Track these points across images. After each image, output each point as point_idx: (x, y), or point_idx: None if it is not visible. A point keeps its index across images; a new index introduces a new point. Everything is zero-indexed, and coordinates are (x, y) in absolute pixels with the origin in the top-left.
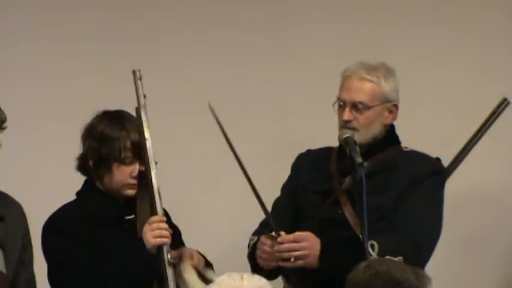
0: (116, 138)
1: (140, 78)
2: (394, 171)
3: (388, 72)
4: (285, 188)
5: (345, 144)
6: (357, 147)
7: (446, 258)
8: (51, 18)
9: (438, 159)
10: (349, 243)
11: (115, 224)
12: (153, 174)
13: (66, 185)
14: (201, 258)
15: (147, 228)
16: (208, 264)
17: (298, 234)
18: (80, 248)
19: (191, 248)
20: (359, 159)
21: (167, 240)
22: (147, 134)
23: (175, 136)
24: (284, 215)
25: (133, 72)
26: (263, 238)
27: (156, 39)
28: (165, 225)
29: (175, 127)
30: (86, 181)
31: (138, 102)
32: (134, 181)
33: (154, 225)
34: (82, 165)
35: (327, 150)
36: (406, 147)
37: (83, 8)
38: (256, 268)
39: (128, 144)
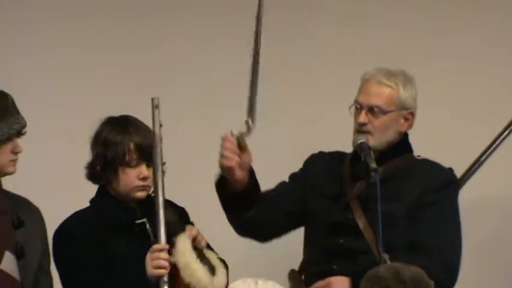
0: (119, 141)
1: (158, 106)
2: (405, 178)
3: (407, 79)
4: (294, 176)
5: (360, 149)
6: (372, 152)
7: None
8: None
9: (451, 169)
10: None
11: (126, 228)
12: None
13: (85, 191)
14: (204, 238)
15: (148, 257)
16: (210, 248)
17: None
18: (89, 257)
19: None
20: (373, 165)
21: (164, 272)
22: (160, 165)
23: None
24: (285, 193)
25: (152, 100)
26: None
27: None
28: (165, 255)
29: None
30: (99, 188)
31: (154, 132)
32: (142, 183)
33: (155, 254)
34: (91, 173)
35: (340, 154)
36: (419, 156)
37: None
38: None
39: (132, 146)
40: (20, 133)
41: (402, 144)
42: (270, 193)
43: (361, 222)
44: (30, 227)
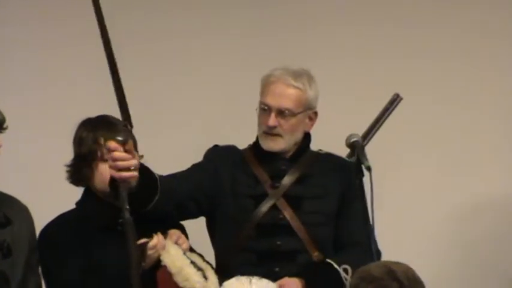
0: (90, 137)
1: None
2: (324, 175)
3: (311, 78)
4: (199, 166)
5: (352, 147)
6: (365, 151)
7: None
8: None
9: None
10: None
11: (109, 228)
12: None
13: (77, 190)
14: (187, 241)
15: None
16: (193, 251)
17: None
18: (71, 259)
19: (177, 230)
20: (367, 163)
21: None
22: None
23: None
24: (190, 181)
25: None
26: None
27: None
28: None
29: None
30: (84, 190)
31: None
32: None
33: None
34: (70, 175)
35: (236, 150)
36: (320, 150)
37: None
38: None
39: (102, 141)
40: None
41: (305, 142)
42: (171, 181)
43: (293, 222)
44: (17, 225)
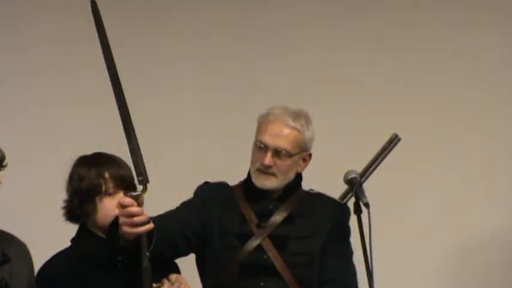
0: (93, 173)
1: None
2: (313, 215)
3: (308, 120)
4: (189, 204)
5: (351, 184)
6: (363, 187)
7: None
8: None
9: (346, 204)
10: None
11: (108, 265)
12: None
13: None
14: (189, 286)
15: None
16: None
17: None
18: None
19: (178, 275)
20: (365, 200)
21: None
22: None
23: None
24: (181, 220)
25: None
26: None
27: None
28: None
29: None
30: (79, 227)
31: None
32: None
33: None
34: (68, 212)
35: (227, 187)
36: (311, 189)
37: None
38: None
39: (107, 175)
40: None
41: (295, 181)
42: (162, 221)
43: (278, 262)
44: (16, 263)
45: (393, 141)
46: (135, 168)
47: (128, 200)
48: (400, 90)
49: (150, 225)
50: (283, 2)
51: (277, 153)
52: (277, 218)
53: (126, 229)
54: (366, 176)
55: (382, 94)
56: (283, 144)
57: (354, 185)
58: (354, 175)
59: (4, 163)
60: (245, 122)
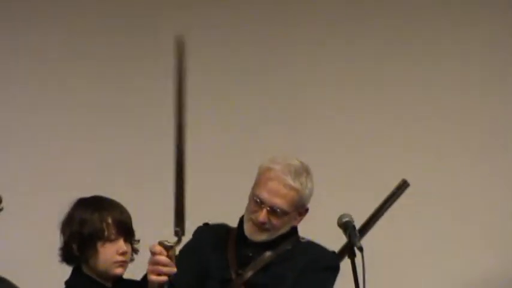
0: (96, 217)
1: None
2: (290, 261)
3: (308, 176)
4: (189, 249)
5: (344, 228)
6: (357, 231)
7: None
8: None
9: (334, 253)
10: None
11: None
12: None
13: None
14: None
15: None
16: None
17: None
18: None
19: None
20: (359, 244)
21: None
22: None
23: None
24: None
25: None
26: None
27: None
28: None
29: None
30: (73, 269)
31: None
32: (122, 258)
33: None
34: (66, 254)
35: (225, 230)
36: (303, 238)
37: None
38: None
39: (109, 220)
40: None
41: (290, 230)
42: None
43: None
44: None
45: (401, 187)
46: (176, 217)
47: (158, 248)
48: (395, 133)
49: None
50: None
51: (273, 211)
52: (257, 264)
53: (149, 277)
54: (372, 222)
55: (381, 137)
56: (280, 203)
57: (348, 228)
58: (347, 218)
59: (0, 206)
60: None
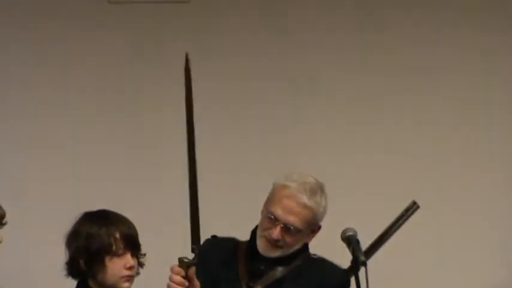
0: (103, 232)
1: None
2: (302, 278)
3: (323, 194)
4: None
5: (348, 242)
6: (360, 245)
7: None
8: None
9: (345, 271)
10: None
11: None
12: None
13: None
14: None
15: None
16: None
17: None
18: None
19: None
20: (362, 258)
21: None
22: None
23: None
24: None
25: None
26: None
27: None
28: (178, 279)
29: None
30: (78, 282)
31: None
32: (129, 272)
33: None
34: (72, 269)
35: (234, 243)
36: (314, 254)
37: None
38: None
39: (118, 235)
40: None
41: (301, 247)
42: None
43: None
44: None
45: (411, 209)
46: (192, 235)
47: (176, 269)
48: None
49: None
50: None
51: (286, 228)
52: (268, 279)
53: None
54: (380, 243)
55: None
56: (294, 221)
57: (351, 242)
58: (351, 233)
59: (4, 221)
60: None
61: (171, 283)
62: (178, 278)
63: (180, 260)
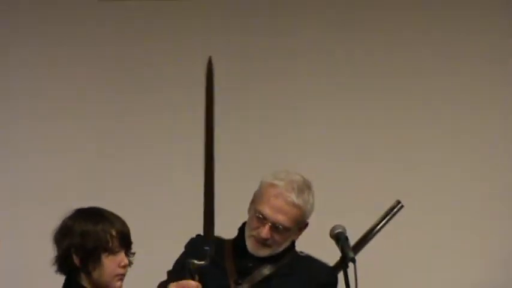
0: (100, 229)
1: None
2: (290, 276)
3: (310, 192)
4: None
5: (337, 239)
6: (349, 242)
7: None
8: None
9: (332, 268)
10: None
11: None
12: None
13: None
14: None
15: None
16: None
17: None
18: None
19: None
20: (351, 254)
21: None
22: None
23: None
24: None
25: None
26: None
27: None
28: None
29: None
30: (67, 279)
31: None
32: (123, 271)
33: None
34: (63, 265)
35: (219, 241)
36: (301, 252)
37: None
38: None
39: (114, 232)
40: None
41: (289, 245)
42: None
43: None
44: None
45: (395, 208)
46: (206, 237)
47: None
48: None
49: None
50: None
51: (275, 227)
52: (256, 276)
53: None
54: (364, 242)
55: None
56: (283, 221)
57: (340, 239)
58: (339, 230)
59: None
60: None
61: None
62: (193, 283)
63: (192, 263)
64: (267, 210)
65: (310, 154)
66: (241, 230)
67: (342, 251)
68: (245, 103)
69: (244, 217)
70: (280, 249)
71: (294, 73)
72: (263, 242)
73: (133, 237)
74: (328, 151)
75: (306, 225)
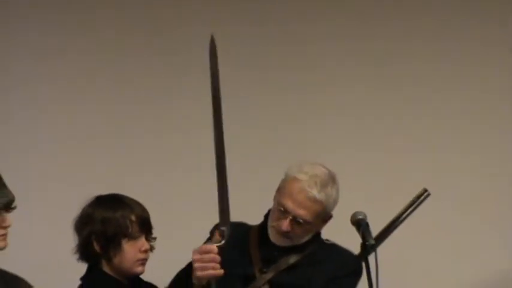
0: (119, 215)
1: None
2: (316, 265)
3: (334, 185)
4: None
5: (357, 225)
6: (370, 229)
7: None
8: None
9: (357, 257)
10: None
11: None
12: None
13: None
14: None
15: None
16: None
17: None
18: None
19: None
20: (371, 241)
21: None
22: None
23: None
24: None
25: None
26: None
27: None
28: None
29: None
30: (90, 266)
31: None
32: (144, 255)
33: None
34: (85, 253)
35: (244, 228)
36: (327, 240)
37: None
38: None
39: (133, 218)
40: (8, 207)
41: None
42: None
43: None
44: None
45: (422, 196)
46: (221, 217)
47: (209, 248)
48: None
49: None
50: None
51: (296, 221)
52: (281, 265)
53: (199, 273)
54: (390, 230)
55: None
56: (304, 215)
57: (361, 226)
58: (361, 216)
59: (13, 205)
60: None
61: (207, 262)
62: (216, 257)
63: (216, 243)
64: (289, 204)
65: (336, 145)
66: (267, 217)
67: (363, 237)
68: (266, 93)
69: (260, 205)
70: (303, 240)
71: (320, 61)
72: (283, 234)
73: (155, 226)
74: (355, 141)
75: (330, 217)
